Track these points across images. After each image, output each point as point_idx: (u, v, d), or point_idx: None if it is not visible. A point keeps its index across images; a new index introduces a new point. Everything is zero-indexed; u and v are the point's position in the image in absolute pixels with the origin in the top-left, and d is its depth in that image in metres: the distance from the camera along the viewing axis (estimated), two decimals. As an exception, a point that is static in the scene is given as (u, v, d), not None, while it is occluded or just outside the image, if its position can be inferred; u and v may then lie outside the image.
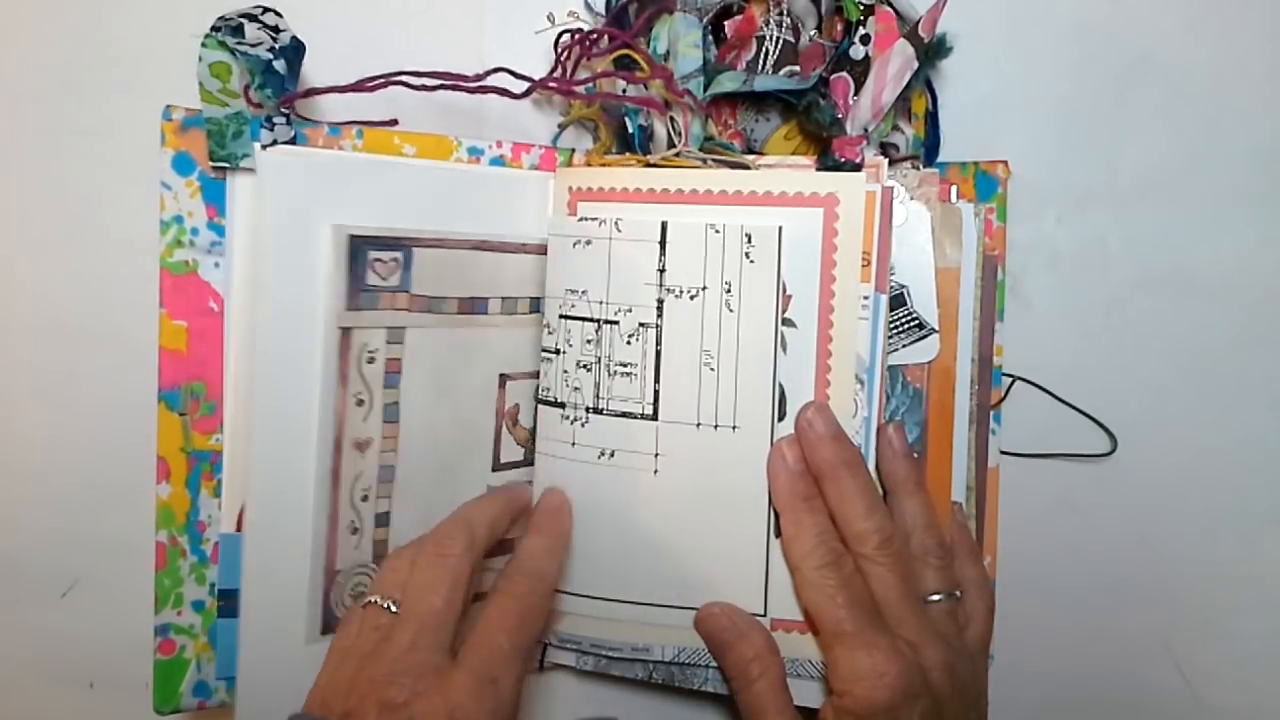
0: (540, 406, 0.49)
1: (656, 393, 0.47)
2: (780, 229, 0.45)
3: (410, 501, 0.48)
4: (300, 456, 0.44)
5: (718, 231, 0.46)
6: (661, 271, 0.46)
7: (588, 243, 0.47)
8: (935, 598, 0.45)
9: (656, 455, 0.47)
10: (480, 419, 0.50)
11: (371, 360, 0.46)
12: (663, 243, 0.46)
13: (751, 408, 0.46)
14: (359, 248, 0.45)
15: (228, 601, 0.45)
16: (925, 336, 0.48)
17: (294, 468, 0.44)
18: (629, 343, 0.47)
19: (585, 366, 0.47)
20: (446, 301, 0.47)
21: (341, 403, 0.45)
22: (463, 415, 0.49)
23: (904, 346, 0.48)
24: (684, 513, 0.47)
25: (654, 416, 0.47)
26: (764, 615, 0.46)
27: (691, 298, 0.46)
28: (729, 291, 0.46)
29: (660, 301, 0.46)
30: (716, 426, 0.46)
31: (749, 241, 0.45)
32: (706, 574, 0.47)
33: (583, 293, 0.47)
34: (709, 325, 0.46)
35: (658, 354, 0.46)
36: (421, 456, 0.48)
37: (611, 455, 0.47)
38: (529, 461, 0.50)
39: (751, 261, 0.45)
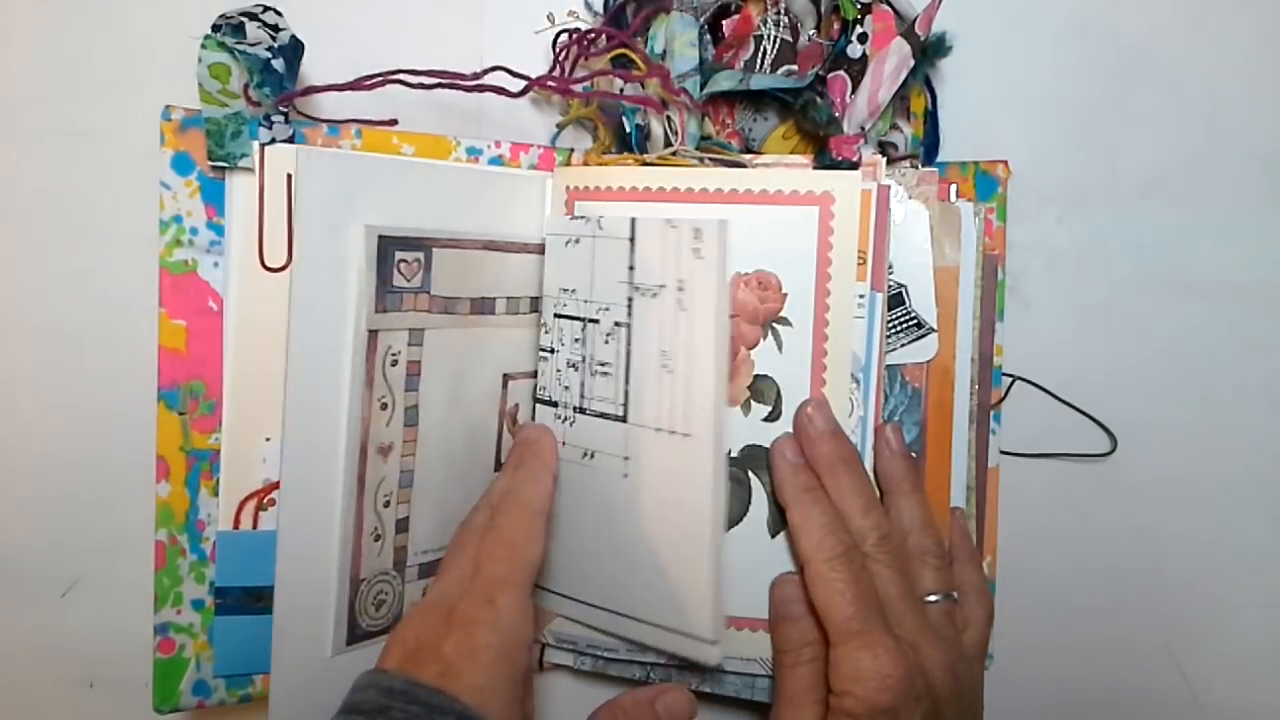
0: (537, 405, 0.49)
1: (627, 393, 0.46)
2: (724, 223, 0.43)
3: (426, 505, 0.47)
4: (329, 463, 0.44)
5: (674, 227, 0.44)
6: (631, 269, 0.45)
7: (577, 241, 0.47)
8: (933, 598, 0.45)
9: (625, 458, 0.46)
10: (487, 420, 0.49)
11: (395, 363, 0.45)
12: (632, 239, 0.45)
13: (700, 415, 0.44)
14: (387, 248, 0.44)
15: (226, 600, 0.45)
16: (924, 336, 0.48)
17: (324, 475, 0.44)
18: (606, 342, 0.46)
19: (574, 366, 0.47)
20: (460, 302, 0.47)
21: (368, 407, 0.44)
22: (472, 417, 0.49)
23: (902, 346, 0.48)
24: (646, 519, 0.46)
25: (624, 418, 0.46)
26: (712, 642, 0.44)
27: (653, 296, 0.45)
28: (681, 290, 0.44)
29: (630, 300, 0.46)
30: (672, 432, 0.45)
31: (697, 237, 0.44)
32: (660, 583, 0.46)
33: (573, 291, 0.47)
34: (666, 325, 0.45)
35: (628, 354, 0.46)
36: (437, 459, 0.47)
37: (591, 456, 0.47)
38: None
39: (700, 258, 0.44)
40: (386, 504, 0.46)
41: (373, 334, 0.44)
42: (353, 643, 0.45)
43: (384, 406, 0.45)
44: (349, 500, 0.44)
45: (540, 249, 0.49)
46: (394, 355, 0.45)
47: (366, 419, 0.44)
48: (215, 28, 0.44)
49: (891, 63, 0.46)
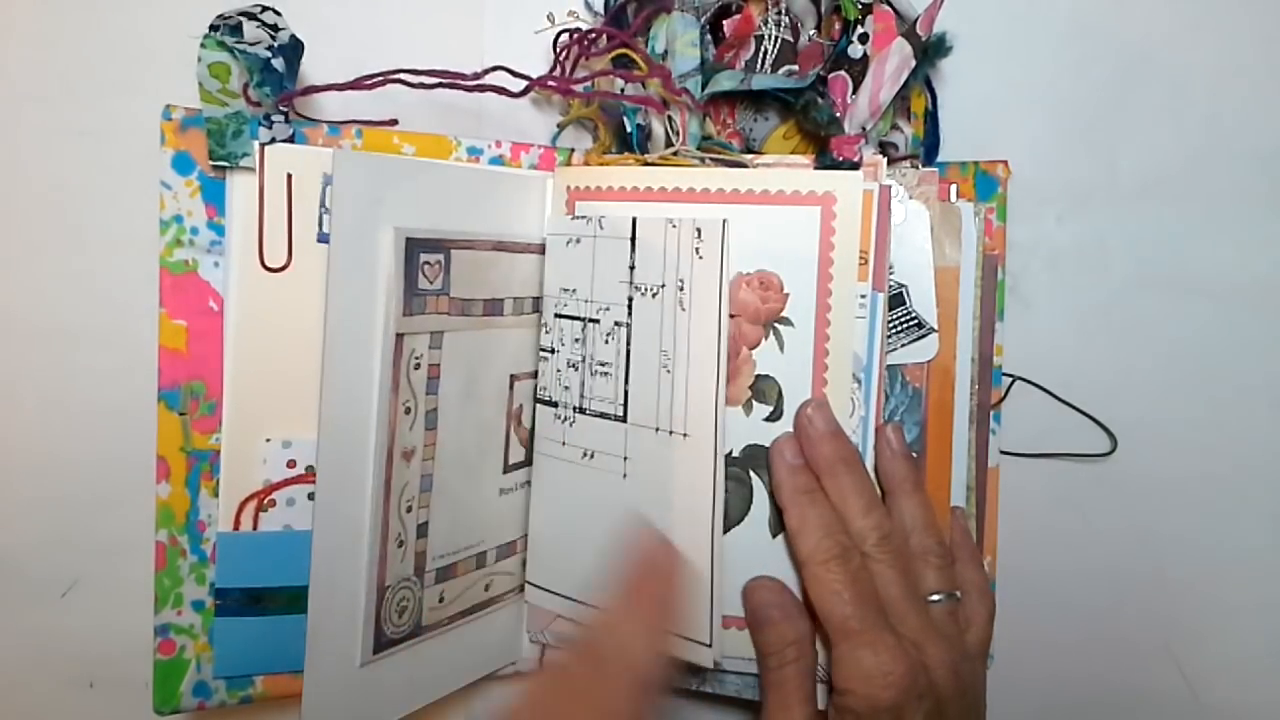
0: (538, 406, 0.49)
1: (626, 394, 0.46)
2: (725, 222, 0.44)
3: (442, 509, 0.47)
4: (360, 469, 0.44)
5: (675, 226, 0.45)
6: (631, 269, 0.46)
7: (578, 241, 0.47)
8: (935, 598, 0.45)
9: (625, 459, 0.46)
10: (495, 421, 0.49)
11: (417, 366, 0.45)
12: (633, 239, 0.45)
13: (699, 415, 0.44)
14: (413, 250, 0.44)
15: (226, 601, 0.45)
16: (924, 336, 0.48)
17: (354, 481, 0.43)
18: (606, 342, 0.46)
19: (574, 366, 0.47)
20: (475, 304, 0.47)
21: (394, 411, 0.44)
22: (483, 418, 0.48)
23: (903, 346, 0.48)
24: (646, 520, 0.46)
25: (624, 418, 0.46)
26: (708, 644, 0.44)
27: (653, 296, 0.45)
28: (681, 289, 0.44)
29: (630, 300, 0.46)
30: (671, 432, 0.45)
31: (699, 236, 0.44)
32: None
33: (573, 291, 0.47)
34: (666, 325, 0.45)
35: (628, 354, 0.46)
36: (451, 462, 0.47)
37: (591, 456, 0.47)
38: (529, 462, 0.50)
39: (701, 257, 0.44)
40: (409, 509, 0.45)
41: (399, 337, 0.44)
42: (379, 651, 0.45)
43: (407, 411, 0.45)
44: (376, 506, 0.44)
45: (543, 249, 0.49)
46: (417, 359, 0.45)
47: (393, 423, 0.44)
48: (214, 27, 0.43)
49: (893, 63, 0.46)
